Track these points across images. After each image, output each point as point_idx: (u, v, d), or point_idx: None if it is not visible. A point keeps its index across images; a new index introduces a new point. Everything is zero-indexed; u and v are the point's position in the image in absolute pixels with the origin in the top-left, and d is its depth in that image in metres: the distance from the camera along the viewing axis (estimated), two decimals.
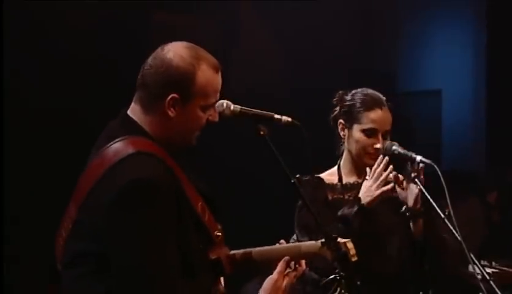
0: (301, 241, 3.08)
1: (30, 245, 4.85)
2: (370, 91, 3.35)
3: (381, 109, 3.30)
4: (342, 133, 3.36)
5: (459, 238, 2.96)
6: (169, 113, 2.35)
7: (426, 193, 3.13)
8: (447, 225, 3.02)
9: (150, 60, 2.39)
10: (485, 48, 6.94)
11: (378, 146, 3.27)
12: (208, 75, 2.37)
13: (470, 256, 2.95)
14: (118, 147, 2.31)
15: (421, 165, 3.15)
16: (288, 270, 2.46)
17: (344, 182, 3.37)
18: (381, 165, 3.20)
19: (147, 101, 2.38)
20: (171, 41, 2.42)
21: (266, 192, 5.61)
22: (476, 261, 3.01)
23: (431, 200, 3.10)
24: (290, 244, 2.56)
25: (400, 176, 3.24)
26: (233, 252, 2.49)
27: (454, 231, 2.99)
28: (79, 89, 5.27)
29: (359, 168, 3.36)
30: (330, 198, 3.33)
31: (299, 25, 6.22)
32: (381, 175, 3.19)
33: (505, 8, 6.73)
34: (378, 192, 3.17)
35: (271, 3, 6.19)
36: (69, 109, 5.21)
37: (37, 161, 5.14)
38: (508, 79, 6.71)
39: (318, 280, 3.13)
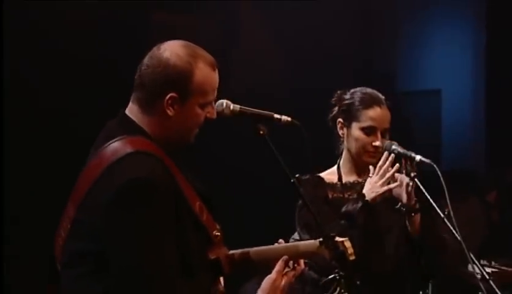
0: (303, 239, 3.09)
1: (30, 245, 4.85)
2: (368, 90, 3.36)
3: (380, 107, 3.31)
4: (341, 132, 3.37)
5: (458, 238, 2.97)
6: (168, 112, 2.35)
7: (426, 193, 3.13)
8: (447, 225, 3.03)
9: (146, 60, 2.39)
10: (484, 47, 6.94)
11: (377, 143, 3.27)
12: (205, 72, 2.37)
13: (470, 255, 2.95)
14: (116, 146, 2.31)
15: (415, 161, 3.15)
16: (286, 269, 2.45)
17: (344, 181, 3.37)
18: (387, 162, 3.20)
19: (145, 101, 2.38)
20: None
21: (266, 191, 5.60)
22: (476, 261, 3.02)
23: (430, 200, 3.11)
24: (288, 244, 2.55)
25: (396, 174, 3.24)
26: (231, 251, 2.49)
27: (453, 230, 2.99)
28: (79, 89, 5.27)
29: (359, 166, 3.37)
30: (330, 196, 3.34)
31: (299, 25, 6.22)
32: (386, 172, 3.19)
33: (504, 8, 6.73)
34: (384, 188, 3.18)
35: (271, 3, 6.19)
36: (69, 109, 5.21)
37: (37, 161, 5.14)
38: (507, 79, 6.71)
39: (318, 280, 3.14)
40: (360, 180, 3.37)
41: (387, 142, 3.29)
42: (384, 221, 3.27)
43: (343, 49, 6.43)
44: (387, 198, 3.24)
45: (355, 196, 3.29)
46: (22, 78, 5.10)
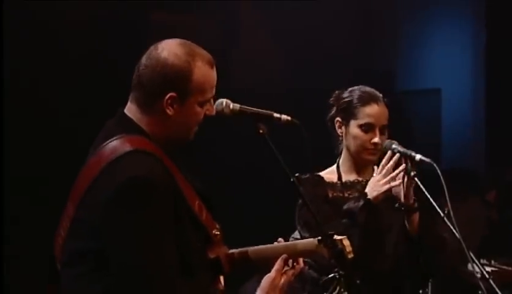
0: (304, 238, 3.09)
1: (30, 245, 4.85)
2: (366, 88, 3.36)
3: (377, 104, 3.31)
4: (339, 131, 3.37)
5: (458, 237, 2.96)
6: (168, 111, 2.35)
7: (426, 192, 3.13)
8: (446, 224, 3.03)
9: (144, 60, 2.39)
10: (484, 47, 6.94)
11: (375, 140, 3.27)
12: (204, 71, 2.38)
13: (470, 255, 2.95)
14: (115, 145, 2.31)
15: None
16: (285, 268, 2.45)
17: (344, 180, 3.37)
18: (391, 162, 3.20)
19: (143, 101, 2.38)
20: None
21: (265, 190, 5.60)
22: (476, 260, 3.01)
23: (430, 199, 3.11)
24: (288, 242, 2.55)
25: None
26: (231, 250, 2.49)
27: (453, 229, 2.99)
28: (80, 89, 5.27)
29: (358, 165, 3.37)
30: (330, 195, 3.34)
31: (299, 25, 6.22)
32: (390, 171, 3.19)
33: (504, 8, 6.73)
34: (386, 187, 3.17)
35: (271, 3, 6.19)
36: (69, 109, 5.22)
37: (37, 161, 5.14)
38: (507, 78, 6.71)
39: (318, 279, 3.14)
40: (360, 179, 3.37)
41: (387, 141, 3.29)
42: (385, 220, 3.27)
43: (343, 49, 6.43)
44: (388, 197, 3.24)
45: (355, 195, 3.30)
46: (22, 78, 5.10)
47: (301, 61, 6.25)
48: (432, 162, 3.09)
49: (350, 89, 3.38)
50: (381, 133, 3.29)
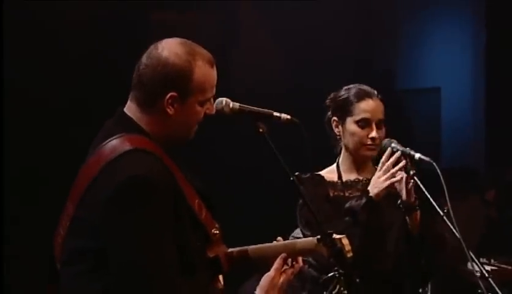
0: (306, 236, 3.09)
1: (30, 245, 4.85)
2: (361, 85, 3.37)
3: (372, 99, 3.32)
4: (336, 130, 3.37)
5: (458, 236, 2.96)
6: (169, 110, 2.35)
7: (425, 191, 3.13)
8: (446, 223, 3.03)
9: (145, 59, 2.39)
10: (484, 46, 6.94)
11: (373, 134, 3.28)
12: (204, 70, 2.38)
13: (469, 253, 2.95)
14: (115, 144, 2.31)
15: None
16: (285, 267, 2.45)
17: (344, 179, 3.37)
18: (392, 159, 3.20)
19: (144, 100, 2.38)
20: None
21: (265, 189, 5.61)
22: (475, 259, 3.01)
23: (430, 198, 3.11)
24: (287, 241, 2.55)
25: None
26: (230, 249, 2.49)
27: (453, 228, 2.99)
28: (80, 89, 5.28)
29: (358, 163, 3.37)
30: (331, 194, 3.34)
31: (299, 25, 6.22)
32: (390, 168, 3.19)
33: (504, 8, 6.73)
34: (387, 183, 3.17)
35: (271, 3, 6.19)
36: (69, 109, 5.22)
37: (37, 161, 5.14)
38: (506, 77, 6.71)
39: (318, 278, 3.14)
40: (361, 178, 3.37)
41: (386, 140, 3.29)
42: (386, 218, 3.27)
43: (343, 48, 6.43)
44: (390, 196, 3.24)
45: (356, 194, 3.30)
46: (22, 78, 5.10)
47: (300, 61, 6.26)
48: (432, 161, 3.09)
49: (344, 88, 3.40)
50: (378, 128, 3.30)
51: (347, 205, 3.23)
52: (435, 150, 6.80)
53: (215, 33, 6.06)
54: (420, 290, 3.40)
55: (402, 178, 3.18)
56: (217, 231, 2.43)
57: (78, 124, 4.93)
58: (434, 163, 3.07)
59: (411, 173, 3.17)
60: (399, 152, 3.20)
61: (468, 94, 7.14)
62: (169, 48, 2.37)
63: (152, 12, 5.79)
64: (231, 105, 2.56)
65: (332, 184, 3.37)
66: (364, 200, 3.18)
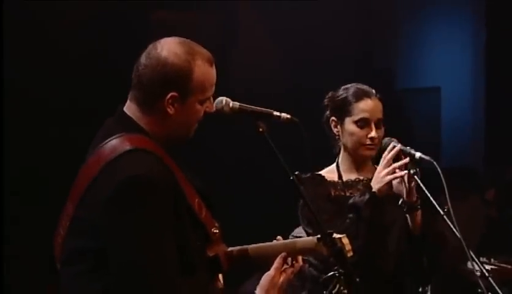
0: (309, 234, 3.10)
1: (30, 245, 4.85)
2: (356, 84, 3.37)
3: (370, 98, 3.31)
4: (335, 130, 3.36)
5: (458, 235, 2.96)
6: (169, 110, 2.35)
7: (426, 191, 3.13)
8: (446, 222, 3.03)
9: (144, 59, 2.39)
10: (484, 46, 6.94)
11: (372, 134, 3.27)
12: (204, 69, 2.38)
13: (469, 253, 2.95)
14: (114, 144, 2.31)
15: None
16: (285, 266, 2.45)
17: (345, 179, 3.37)
18: (392, 153, 3.19)
19: (143, 100, 2.38)
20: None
21: (265, 189, 5.61)
22: (475, 258, 3.01)
23: (430, 197, 3.11)
24: (287, 240, 2.55)
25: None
26: (230, 248, 2.49)
27: (453, 228, 2.99)
28: (80, 89, 5.28)
29: (357, 163, 3.37)
30: (332, 194, 3.34)
31: (298, 24, 6.23)
32: (390, 162, 3.18)
33: (504, 7, 6.73)
34: (388, 177, 3.17)
35: (270, 3, 6.19)
36: (69, 109, 5.22)
37: (37, 161, 5.14)
38: (506, 77, 6.71)
39: (318, 277, 3.14)
40: (361, 177, 3.36)
41: (386, 139, 3.29)
42: (388, 217, 3.27)
43: (343, 48, 6.43)
44: (390, 195, 3.23)
45: (357, 193, 3.29)
46: (21, 78, 5.10)
47: (300, 61, 6.26)
48: (432, 160, 3.09)
49: (342, 87, 3.39)
50: (377, 128, 3.29)
51: (350, 201, 3.23)
52: (435, 149, 6.80)
53: (215, 33, 6.06)
54: (420, 289, 3.40)
55: (403, 177, 3.17)
56: (217, 231, 2.43)
57: (78, 124, 4.92)
58: (434, 162, 3.07)
59: (412, 172, 3.17)
60: (398, 146, 3.19)
61: (468, 93, 7.14)
62: (168, 47, 2.37)
63: (152, 12, 5.79)
64: (231, 104, 2.56)
65: (333, 183, 3.36)
66: (367, 196, 3.18)
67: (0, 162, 5.01)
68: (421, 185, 3.14)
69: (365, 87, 3.35)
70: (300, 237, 3.23)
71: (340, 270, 2.53)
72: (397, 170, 3.18)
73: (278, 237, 2.56)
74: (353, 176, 3.38)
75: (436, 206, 3.07)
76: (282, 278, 2.44)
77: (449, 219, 3.01)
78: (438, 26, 7.12)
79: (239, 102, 2.57)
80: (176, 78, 2.34)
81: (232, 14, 6.29)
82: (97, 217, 2.23)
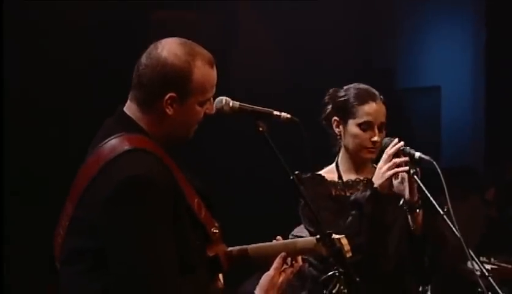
0: (311, 232, 3.09)
1: (30, 245, 4.85)
2: (362, 86, 3.35)
3: (375, 102, 3.30)
4: (337, 130, 3.35)
5: (458, 234, 2.96)
6: (168, 111, 2.35)
7: (425, 190, 3.13)
8: (446, 222, 3.03)
9: (144, 59, 2.39)
10: (484, 45, 6.94)
11: (375, 138, 3.27)
12: (204, 70, 2.38)
13: (469, 252, 2.95)
14: (114, 143, 2.31)
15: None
16: (284, 266, 2.45)
17: (345, 179, 3.36)
18: (394, 148, 3.18)
19: (143, 100, 2.38)
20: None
21: (265, 188, 5.61)
22: (475, 258, 3.01)
23: (430, 197, 3.11)
24: (287, 240, 2.56)
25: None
26: (230, 248, 2.49)
27: (453, 228, 2.99)
28: (79, 88, 5.28)
29: (357, 164, 3.36)
30: (333, 193, 3.33)
31: (298, 24, 6.23)
32: (391, 157, 3.17)
33: (504, 6, 6.73)
34: (389, 173, 3.15)
35: (270, 3, 6.19)
36: (69, 109, 5.22)
37: (37, 161, 5.14)
38: (507, 76, 6.72)
39: (318, 277, 3.14)
40: (361, 178, 3.36)
41: (386, 139, 3.28)
42: (389, 216, 3.26)
43: (342, 47, 6.43)
44: (391, 194, 3.23)
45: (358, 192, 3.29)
46: (22, 78, 5.10)
47: (300, 60, 6.26)
48: (432, 160, 3.09)
49: (345, 87, 3.38)
50: (380, 131, 3.28)
51: (352, 197, 3.22)
52: (435, 149, 6.80)
53: (215, 33, 6.06)
54: (420, 289, 3.40)
55: (404, 179, 3.17)
56: (217, 231, 2.43)
57: (78, 123, 4.93)
58: (434, 162, 3.07)
59: (412, 171, 3.16)
60: (401, 143, 3.18)
61: (468, 92, 7.14)
62: (168, 48, 2.37)
63: (152, 12, 5.80)
64: (231, 104, 2.55)
65: (333, 183, 3.35)
66: (368, 192, 3.17)
67: (0, 162, 5.01)
68: (421, 185, 3.14)
69: (370, 89, 3.33)
70: (300, 236, 3.24)
71: (340, 269, 2.53)
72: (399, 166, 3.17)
73: (278, 237, 2.56)
74: (352, 176, 3.37)
75: (436, 205, 3.06)
76: (281, 279, 2.44)
77: (449, 219, 3.01)
78: (438, 25, 7.12)
79: (239, 102, 2.57)
80: (175, 78, 2.34)
81: (232, 14, 6.29)
82: (96, 217, 2.23)
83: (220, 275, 2.50)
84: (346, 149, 3.35)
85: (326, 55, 6.27)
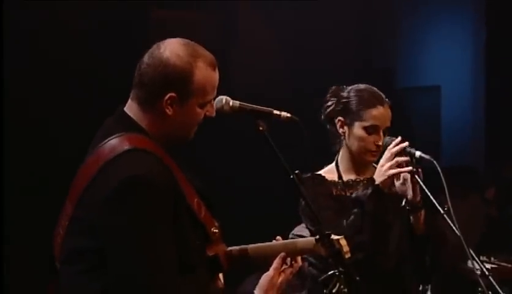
0: (311, 231, 3.09)
1: (30, 245, 4.85)
2: (368, 87, 3.33)
3: (383, 106, 3.29)
4: (341, 131, 3.33)
5: (458, 234, 2.96)
6: (167, 111, 2.35)
7: (426, 190, 3.13)
8: (446, 221, 3.03)
9: (146, 58, 2.39)
10: (484, 44, 6.95)
11: (380, 143, 3.25)
12: (205, 72, 2.37)
13: (469, 251, 2.95)
14: (114, 143, 2.31)
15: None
16: (284, 266, 2.45)
17: (345, 179, 3.35)
18: (397, 147, 3.16)
19: (144, 99, 2.38)
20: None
21: (265, 188, 5.61)
22: (475, 257, 3.01)
23: (430, 196, 3.10)
24: (286, 241, 2.56)
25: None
26: (229, 248, 2.49)
27: (453, 227, 2.99)
28: (79, 88, 5.28)
29: (358, 165, 3.35)
30: (334, 193, 3.33)
31: (298, 24, 6.23)
32: (393, 155, 3.16)
33: (504, 6, 6.74)
34: (390, 172, 3.15)
35: (270, 3, 6.19)
36: (69, 109, 5.22)
37: (37, 161, 5.14)
38: (506, 76, 6.72)
39: (317, 276, 3.13)
40: (361, 178, 3.35)
41: (386, 138, 3.27)
42: (391, 215, 3.25)
43: (343, 47, 6.44)
44: (393, 194, 3.23)
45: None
46: (22, 78, 5.10)
47: (300, 60, 6.26)
48: (432, 159, 3.08)
49: (349, 87, 3.35)
50: (384, 135, 3.28)
51: (353, 195, 3.22)
52: (435, 148, 6.81)
53: (215, 33, 6.06)
54: (420, 288, 3.40)
55: (407, 180, 3.16)
56: (217, 230, 2.43)
57: (78, 123, 4.93)
58: (434, 161, 3.06)
59: (412, 170, 3.16)
60: (405, 144, 3.18)
61: (468, 92, 7.14)
62: (171, 48, 2.37)
63: (152, 12, 5.80)
64: (231, 103, 2.55)
65: (333, 183, 3.35)
66: (370, 190, 3.17)
67: (0, 161, 5.01)
68: (421, 184, 3.13)
69: (377, 92, 3.31)
70: (301, 235, 3.24)
71: (340, 269, 2.53)
72: (401, 166, 3.16)
73: (278, 237, 2.56)
74: (353, 176, 3.37)
75: (437, 204, 3.06)
76: (280, 279, 2.44)
77: (449, 218, 3.01)
78: (438, 25, 7.13)
79: (238, 101, 2.57)
80: (176, 79, 2.34)
81: (232, 14, 6.29)
82: (96, 216, 2.24)
83: (220, 275, 2.50)
84: (349, 150, 3.34)
85: (326, 55, 6.26)
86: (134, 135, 2.35)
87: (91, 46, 5.33)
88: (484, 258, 5.16)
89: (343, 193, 3.32)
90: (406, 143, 3.18)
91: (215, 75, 2.42)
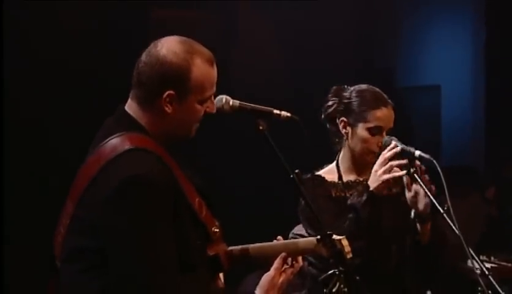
0: (310, 234, 3.09)
1: (30, 245, 4.85)
2: (371, 88, 3.32)
3: (387, 107, 3.27)
4: (343, 131, 3.31)
5: (458, 233, 2.96)
6: (166, 109, 2.35)
7: (426, 189, 3.12)
8: (446, 221, 3.02)
9: (144, 57, 2.39)
10: (484, 44, 6.95)
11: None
12: (203, 69, 2.37)
13: (469, 251, 2.95)
14: (115, 143, 2.31)
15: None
16: (285, 266, 2.45)
17: (345, 180, 3.35)
18: (390, 152, 3.15)
19: (143, 98, 2.38)
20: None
21: (265, 188, 5.61)
22: (475, 257, 3.01)
23: (430, 196, 3.10)
24: (287, 241, 2.56)
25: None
26: (230, 248, 2.49)
27: (453, 226, 2.99)
28: (79, 88, 5.27)
29: (359, 165, 3.33)
30: (333, 195, 3.32)
31: (298, 24, 6.23)
32: (387, 160, 3.16)
33: (504, 6, 6.74)
34: (385, 176, 3.13)
35: (270, 3, 6.19)
36: (69, 109, 5.22)
37: (37, 161, 5.14)
38: (506, 76, 6.72)
39: (318, 276, 3.12)
40: (361, 179, 3.33)
41: (386, 137, 3.25)
42: (388, 217, 3.25)
43: (343, 47, 6.43)
44: (391, 199, 3.22)
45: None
46: (21, 77, 5.10)
47: (300, 60, 6.25)
48: (432, 159, 3.08)
49: (352, 88, 3.33)
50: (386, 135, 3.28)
51: (349, 202, 3.21)
52: (435, 148, 6.80)
53: (215, 33, 6.06)
54: (421, 288, 3.40)
55: (418, 193, 3.15)
56: (217, 230, 2.43)
57: (78, 123, 4.93)
58: (434, 161, 3.06)
59: (412, 170, 3.15)
60: (399, 147, 3.17)
61: (468, 92, 7.14)
62: (168, 46, 2.37)
63: (152, 11, 5.80)
64: (231, 103, 2.55)
65: (333, 184, 3.34)
66: (364, 197, 3.16)
67: (0, 161, 5.01)
68: (421, 183, 3.13)
69: (380, 93, 3.30)
70: (301, 235, 3.24)
71: (340, 268, 2.53)
72: (395, 170, 3.16)
73: (279, 237, 2.56)
74: (352, 177, 3.35)
75: (437, 204, 3.06)
76: (281, 279, 2.44)
77: (449, 217, 3.00)
78: (438, 24, 7.13)
79: (238, 100, 2.57)
80: (173, 76, 2.34)
81: (232, 14, 6.29)
82: (97, 216, 2.24)
83: (221, 275, 2.50)
84: (352, 150, 3.32)
85: (326, 55, 6.26)
86: (135, 134, 2.34)
87: (91, 46, 5.33)
88: (484, 258, 5.17)
89: (343, 195, 3.31)
90: (399, 148, 3.16)
91: (213, 71, 2.41)
